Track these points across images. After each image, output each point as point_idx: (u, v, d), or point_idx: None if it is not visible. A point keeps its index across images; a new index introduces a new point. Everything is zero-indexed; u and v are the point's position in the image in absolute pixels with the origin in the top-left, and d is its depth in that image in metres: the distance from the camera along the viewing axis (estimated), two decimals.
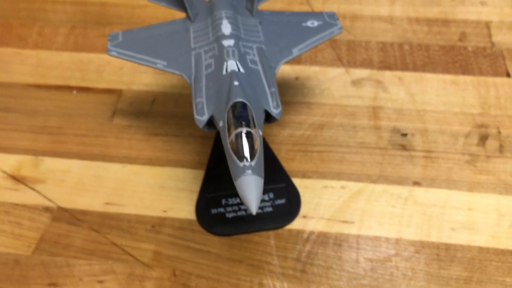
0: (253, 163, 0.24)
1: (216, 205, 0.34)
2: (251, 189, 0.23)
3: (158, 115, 0.41)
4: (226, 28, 0.31)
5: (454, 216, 0.34)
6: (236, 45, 0.30)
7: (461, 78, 0.42)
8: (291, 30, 0.34)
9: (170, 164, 0.37)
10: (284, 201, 0.35)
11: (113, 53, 0.33)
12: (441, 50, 0.44)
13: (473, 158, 0.37)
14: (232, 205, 0.34)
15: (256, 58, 0.31)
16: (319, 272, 0.32)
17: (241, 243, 0.33)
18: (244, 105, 0.26)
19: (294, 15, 0.35)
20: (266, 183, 0.34)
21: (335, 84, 0.42)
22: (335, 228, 0.34)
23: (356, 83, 0.42)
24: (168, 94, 0.42)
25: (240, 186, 0.24)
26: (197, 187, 0.36)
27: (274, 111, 0.28)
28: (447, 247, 0.32)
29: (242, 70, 0.28)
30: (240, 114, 0.26)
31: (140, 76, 0.43)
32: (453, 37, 0.45)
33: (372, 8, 0.48)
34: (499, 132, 0.38)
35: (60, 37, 0.47)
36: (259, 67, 0.30)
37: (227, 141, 0.25)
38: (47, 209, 0.35)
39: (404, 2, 0.48)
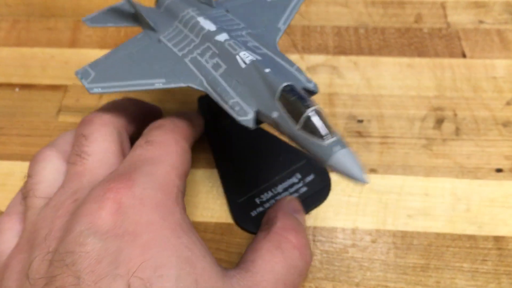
0: (335, 137, 0.22)
1: (253, 206, 0.33)
2: (349, 162, 0.22)
3: None
4: (207, 24, 0.29)
5: (410, 202, 0.33)
6: (231, 36, 0.28)
7: (417, 60, 0.41)
8: (262, 8, 0.32)
9: None
10: (312, 176, 0.34)
11: (96, 90, 0.28)
12: (397, 33, 0.43)
13: (429, 142, 0.36)
14: (267, 200, 0.33)
15: (256, 43, 0.29)
16: None
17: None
18: (292, 88, 0.24)
19: None
20: (287, 165, 0.35)
21: None
22: None
23: (311, 69, 0.41)
24: None
25: (337, 165, 0.22)
26: None
27: (310, 85, 0.26)
28: (404, 234, 0.32)
29: (258, 57, 0.26)
30: (295, 97, 0.24)
31: None
32: (408, 19, 0.44)
33: None
34: (455, 115, 0.37)
35: (2, 32, 0.45)
36: (266, 51, 0.28)
37: (295, 128, 0.23)
38: None
39: None
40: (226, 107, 0.26)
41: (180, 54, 0.29)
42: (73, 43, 0.44)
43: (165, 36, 0.31)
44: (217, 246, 0.32)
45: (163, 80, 0.28)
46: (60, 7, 0.47)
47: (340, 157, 0.22)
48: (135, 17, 0.32)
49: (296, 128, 0.23)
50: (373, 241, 0.32)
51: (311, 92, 0.26)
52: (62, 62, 0.42)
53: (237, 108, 0.26)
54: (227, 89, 0.27)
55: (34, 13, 0.47)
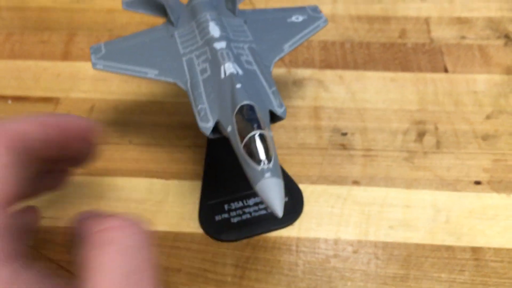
0: (270, 165, 0.24)
1: (220, 211, 0.34)
2: (273, 192, 0.23)
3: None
4: (214, 30, 0.31)
5: (392, 213, 0.34)
6: (228, 46, 0.30)
7: (401, 75, 0.42)
8: (277, 27, 0.33)
9: (109, 174, 0.37)
10: (287, 198, 0.34)
11: (98, 66, 0.31)
12: (382, 48, 0.44)
13: (411, 155, 0.37)
14: (235, 209, 0.34)
15: (250, 58, 0.30)
16: (258, 277, 0.31)
17: (179, 251, 0.33)
18: (251, 108, 0.25)
19: (277, 12, 0.35)
20: None
21: (277, 85, 0.42)
22: (274, 231, 0.33)
23: (298, 83, 0.42)
24: (107, 100, 0.41)
25: (262, 190, 0.23)
26: (139, 195, 0.35)
27: (279, 110, 0.28)
28: (385, 245, 0.33)
29: (240, 72, 0.28)
30: (249, 117, 0.25)
31: (78, 83, 0.42)
32: (393, 34, 0.46)
33: None
34: (436, 128, 0.38)
35: None
36: (255, 67, 0.29)
37: (240, 146, 0.24)
38: None
39: (346, 0, 0.49)
40: (194, 110, 0.27)
41: (182, 52, 0.31)
42: (66, 56, 0.45)
43: (179, 32, 0.33)
44: (203, 256, 0.32)
45: (156, 72, 0.31)
46: (54, 20, 0.48)
47: (266, 185, 0.23)
48: (164, 9, 0.34)
49: (240, 146, 0.24)
50: (355, 252, 0.32)
51: (279, 118, 0.28)
52: (55, 74, 0.43)
53: (202, 114, 0.27)
54: (202, 94, 0.28)
55: (28, 26, 0.48)
